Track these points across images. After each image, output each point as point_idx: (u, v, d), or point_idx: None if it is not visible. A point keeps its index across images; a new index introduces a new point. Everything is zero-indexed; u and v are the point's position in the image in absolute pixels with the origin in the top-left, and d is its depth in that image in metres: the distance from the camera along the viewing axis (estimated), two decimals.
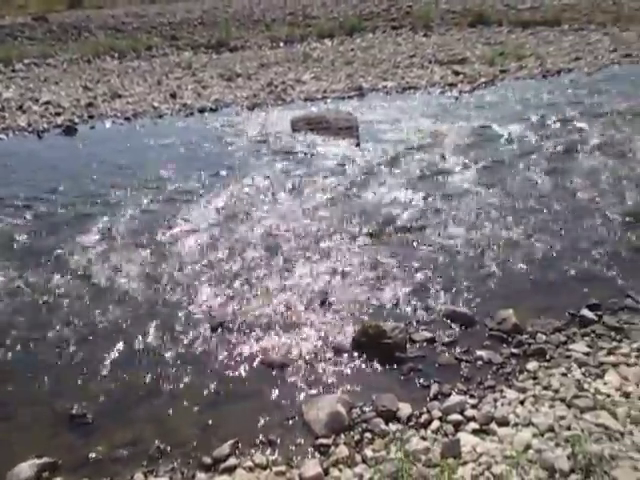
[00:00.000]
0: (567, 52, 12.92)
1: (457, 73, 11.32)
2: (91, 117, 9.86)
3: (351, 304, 4.09)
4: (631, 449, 2.57)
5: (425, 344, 3.62)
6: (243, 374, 3.49)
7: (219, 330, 3.89)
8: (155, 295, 4.36)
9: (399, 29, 17.16)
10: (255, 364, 3.56)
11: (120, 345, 3.79)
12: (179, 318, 4.05)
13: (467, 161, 6.71)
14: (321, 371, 3.46)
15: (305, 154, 7.25)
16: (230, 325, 3.93)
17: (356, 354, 3.59)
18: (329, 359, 3.56)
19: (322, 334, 3.79)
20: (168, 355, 3.68)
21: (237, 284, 4.43)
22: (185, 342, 3.79)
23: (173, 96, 10.87)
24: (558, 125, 7.92)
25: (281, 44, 16.26)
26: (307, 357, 3.59)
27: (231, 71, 12.77)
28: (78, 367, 3.62)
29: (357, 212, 5.54)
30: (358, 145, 7.45)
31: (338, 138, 7.67)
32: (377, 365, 3.50)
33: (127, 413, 3.23)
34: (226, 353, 3.66)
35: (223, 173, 6.77)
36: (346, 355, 3.59)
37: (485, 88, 10.37)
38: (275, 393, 3.30)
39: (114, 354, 3.72)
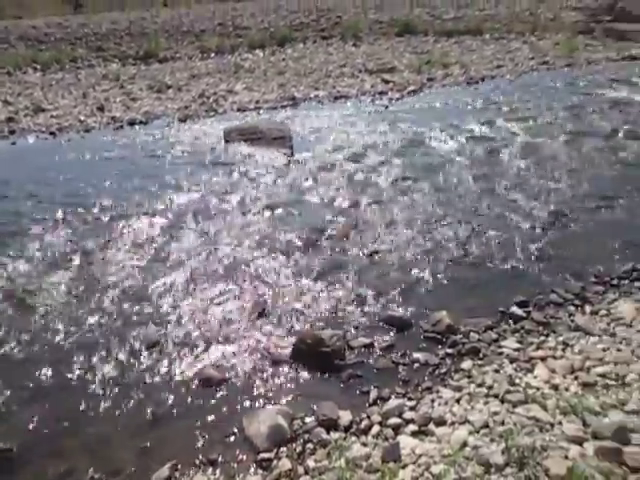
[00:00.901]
0: (489, 60, 13.52)
1: (387, 81, 11.60)
2: (12, 132, 9.42)
3: (289, 314, 4.07)
4: (561, 439, 2.67)
5: (363, 350, 3.65)
6: (180, 393, 3.39)
7: (154, 349, 3.77)
8: (84, 316, 4.18)
9: (329, 39, 17.43)
10: (193, 381, 3.47)
11: (47, 370, 3.60)
12: (111, 339, 3.89)
13: (398, 167, 6.86)
14: (261, 384, 3.42)
15: (238, 165, 7.20)
16: (166, 343, 3.82)
17: (295, 364, 3.57)
18: (268, 371, 3.53)
19: (261, 346, 3.74)
20: (100, 378, 3.52)
21: (171, 300, 4.32)
22: (118, 363, 3.65)
23: (101, 109, 10.55)
24: (483, 130, 8.25)
25: (212, 55, 16.15)
26: (246, 370, 3.54)
27: (161, 82, 12.54)
28: None
29: (291, 221, 5.55)
30: (292, 155, 7.47)
31: (272, 148, 7.66)
32: (317, 374, 3.49)
33: (57, 443, 3.07)
34: (162, 372, 3.56)
35: (153, 188, 6.60)
36: (286, 366, 3.56)
37: (414, 95, 10.67)
38: (214, 410, 3.23)
39: (40, 380, 3.53)
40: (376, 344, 3.69)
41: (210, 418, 3.17)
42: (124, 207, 6.07)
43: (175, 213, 5.88)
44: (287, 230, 5.36)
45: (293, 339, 3.73)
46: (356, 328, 3.87)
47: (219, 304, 4.24)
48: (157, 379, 3.50)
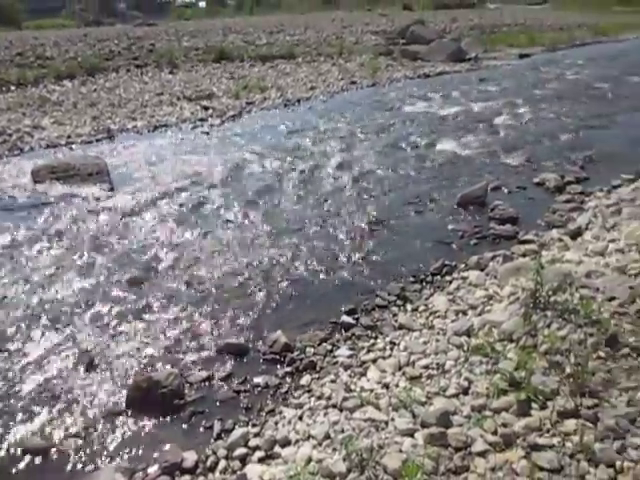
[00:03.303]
0: (304, 82, 14.20)
1: (206, 108, 11.57)
2: None
3: (120, 360, 3.82)
4: (395, 434, 2.84)
5: (203, 384, 3.55)
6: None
7: None
8: None
9: (144, 67, 16.91)
10: (14, 457, 3.07)
11: None
12: None
13: (224, 194, 6.86)
14: (95, 443, 3.14)
15: (51, 206, 6.62)
16: None
17: (132, 413, 3.35)
18: (102, 427, 3.26)
19: (91, 401, 3.45)
20: None
21: None
22: None
23: None
24: (302, 149, 8.61)
25: (12, 88, 14.72)
26: (77, 431, 3.22)
27: None
28: None
29: (112, 260, 5.22)
30: (111, 190, 7.07)
31: (88, 185, 7.18)
32: (156, 419, 3.31)
33: None
34: None
35: None
36: (121, 417, 3.33)
37: (234, 120, 10.79)
38: None
39: None
40: (215, 375, 3.61)
41: None
42: None
43: None
44: (109, 271, 5.03)
45: (127, 386, 3.50)
46: (193, 363, 3.76)
47: (39, 363, 3.82)
48: None
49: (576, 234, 5.10)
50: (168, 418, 3.32)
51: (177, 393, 3.43)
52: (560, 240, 5.02)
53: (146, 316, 4.32)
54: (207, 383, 3.56)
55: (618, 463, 2.37)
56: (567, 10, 36.24)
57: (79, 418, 3.32)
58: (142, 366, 3.75)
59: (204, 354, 3.84)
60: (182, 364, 3.74)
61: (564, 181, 6.68)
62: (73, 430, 3.23)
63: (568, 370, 2.92)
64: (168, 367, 3.67)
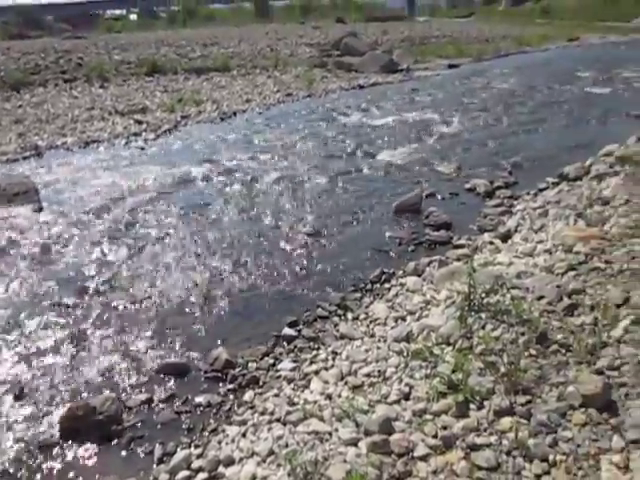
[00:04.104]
0: (239, 95, 14.15)
1: (140, 122, 11.32)
2: None
3: (53, 388, 3.65)
4: (339, 445, 2.84)
5: (142, 407, 3.45)
6: None
7: None
8: None
9: (73, 81, 16.38)
10: None
11: None
12: None
13: (161, 210, 6.71)
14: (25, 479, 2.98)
15: None
16: None
17: (67, 443, 3.20)
18: (35, 461, 3.09)
19: (21, 433, 3.27)
20: None
21: None
22: None
23: None
24: (239, 163, 8.55)
25: None
26: (3, 468, 3.04)
27: None
28: None
29: (45, 282, 4.99)
30: (40, 210, 6.77)
31: (15, 205, 6.85)
32: (94, 448, 3.18)
33: None
34: None
35: None
36: (55, 449, 3.17)
37: (170, 134, 10.61)
38: None
39: None
40: (155, 397, 3.52)
41: None
42: None
43: None
44: (37, 294, 4.81)
45: (60, 415, 3.34)
46: (132, 386, 3.64)
47: None
48: None
49: (506, 237, 5.31)
50: (106, 446, 3.19)
51: (115, 418, 3.31)
52: (491, 243, 5.21)
53: (80, 340, 4.15)
54: (147, 406, 3.46)
55: (551, 457, 2.47)
56: (492, 23, 37.89)
57: (8, 452, 3.14)
58: (77, 393, 3.59)
59: (143, 376, 3.72)
60: (120, 388, 3.62)
61: (494, 186, 6.95)
62: (0, 467, 3.05)
63: (502, 369, 3.02)
64: (105, 392, 3.54)
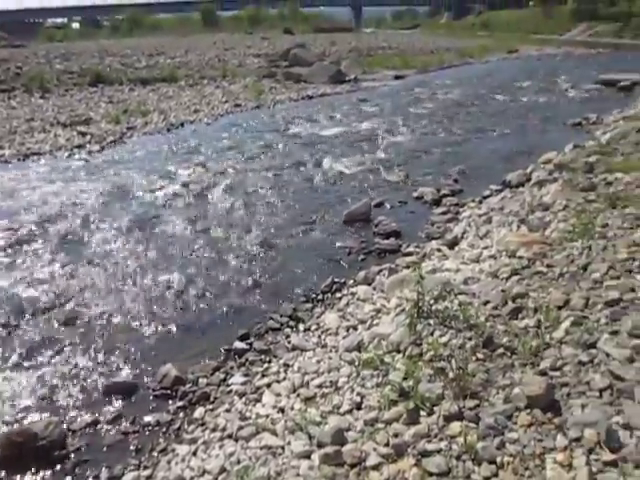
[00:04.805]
0: (187, 105, 13.98)
1: (84, 134, 11.01)
2: None
3: None
4: (292, 458, 2.81)
5: (87, 430, 3.31)
6: None
7: None
8: None
9: (11, 91, 15.83)
10: None
11: None
12: None
13: (103, 225, 6.51)
14: None
15: None
16: None
17: (6, 473, 3.04)
18: None
19: None
20: None
21: None
22: None
23: None
24: (188, 174, 8.44)
25: None
26: None
27: None
28: None
29: None
30: None
31: None
32: (35, 476, 3.03)
33: None
34: None
35: None
36: None
37: (115, 146, 10.36)
38: None
39: None
40: (101, 419, 3.39)
41: None
42: None
43: None
44: None
45: None
46: (76, 408, 3.49)
47: None
48: None
49: (453, 243, 5.43)
50: (49, 473, 3.05)
51: (58, 443, 3.17)
52: (439, 250, 5.32)
53: (20, 362, 3.96)
54: (92, 428, 3.33)
55: (499, 459, 2.51)
56: (436, 35, 38.98)
57: None
58: (16, 419, 3.42)
59: (88, 397, 3.58)
60: (63, 411, 3.47)
61: (440, 194, 7.11)
62: None
63: (451, 375, 3.06)
64: (47, 416, 3.39)
